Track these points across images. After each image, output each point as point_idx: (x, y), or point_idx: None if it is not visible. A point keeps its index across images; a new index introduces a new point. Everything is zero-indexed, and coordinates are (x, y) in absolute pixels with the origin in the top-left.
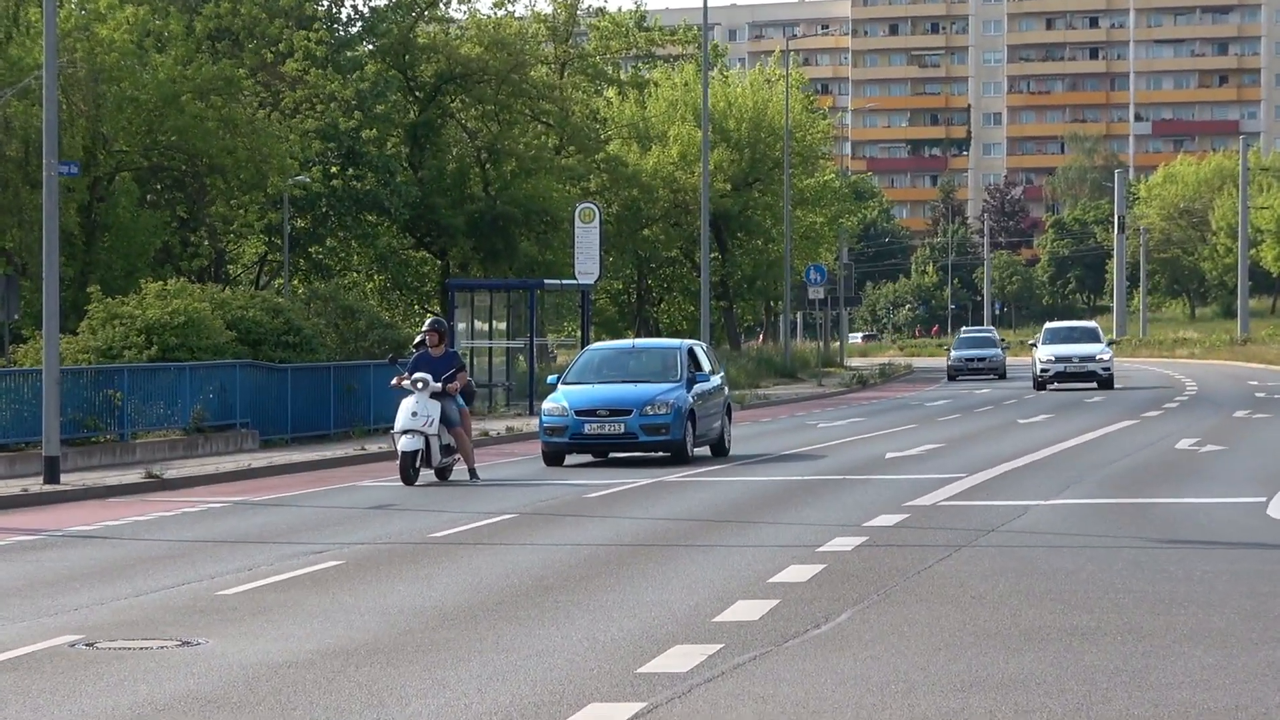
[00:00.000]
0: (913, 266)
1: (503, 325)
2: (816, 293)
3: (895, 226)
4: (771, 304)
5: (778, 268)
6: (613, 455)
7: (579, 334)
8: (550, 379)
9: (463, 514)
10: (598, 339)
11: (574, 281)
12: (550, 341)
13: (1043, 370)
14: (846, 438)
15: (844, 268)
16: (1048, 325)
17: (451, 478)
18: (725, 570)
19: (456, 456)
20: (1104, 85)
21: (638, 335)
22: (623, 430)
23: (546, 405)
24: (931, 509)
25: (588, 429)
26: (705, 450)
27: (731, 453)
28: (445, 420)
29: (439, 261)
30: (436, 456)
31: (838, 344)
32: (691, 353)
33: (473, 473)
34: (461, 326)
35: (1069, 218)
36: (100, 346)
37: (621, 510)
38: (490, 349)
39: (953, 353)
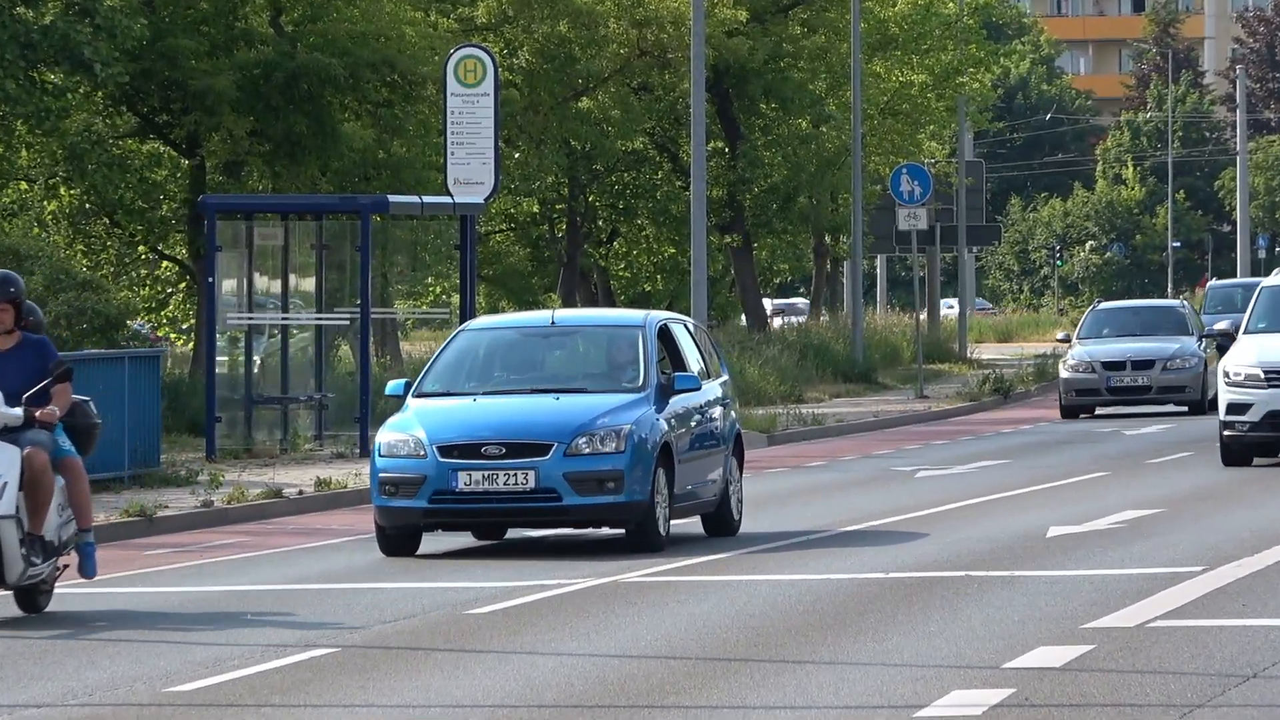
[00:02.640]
0: (1099, 167)
1: (309, 284)
2: (913, 219)
3: (1066, 91)
4: (826, 242)
5: (838, 172)
6: (517, 535)
7: (457, 301)
8: (392, 387)
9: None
10: (492, 310)
11: (446, 199)
12: (401, 314)
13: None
14: (970, 498)
15: (967, 172)
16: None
17: (49, 607)
18: None
19: (59, 563)
20: None
21: (566, 303)
22: (531, 486)
23: (385, 438)
24: (1137, 634)
25: (463, 483)
26: (692, 523)
27: (744, 528)
28: (29, 484)
29: (186, 161)
30: (16, 565)
31: (953, 316)
32: (666, 336)
33: (86, 568)
34: (229, 286)
35: None
36: None
37: (527, 651)
38: (284, 329)
39: (1075, 354)
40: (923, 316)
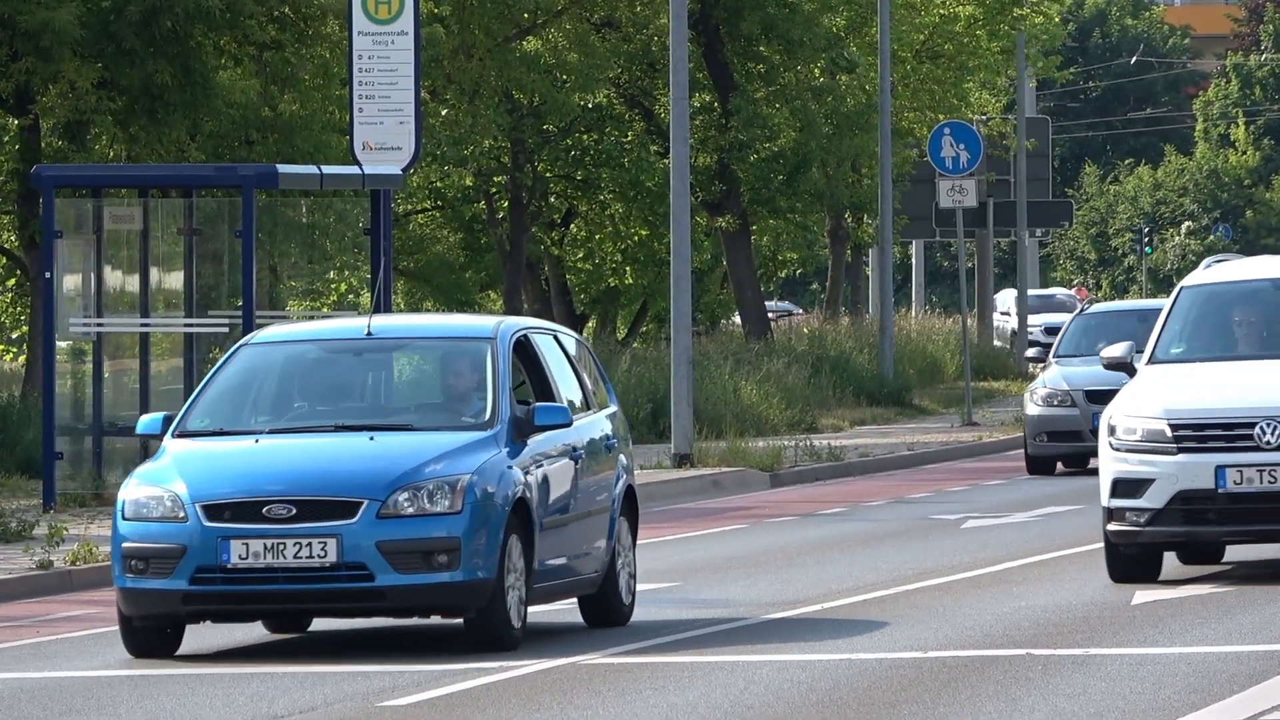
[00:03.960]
0: (1199, 126)
1: (177, 279)
2: (958, 194)
3: (1156, 26)
4: (846, 224)
5: (861, 134)
6: (327, 624)
7: (367, 301)
8: (146, 424)
9: None
10: (414, 312)
11: (353, 170)
12: (296, 318)
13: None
14: (1032, 555)
15: (1029, 132)
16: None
17: None
18: None
19: None
20: None
21: (509, 304)
22: (332, 559)
23: (131, 494)
24: None
25: (237, 556)
26: (565, 608)
27: (734, 593)
28: None
29: (15, 121)
30: None
31: (1010, 323)
32: (527, 352)
33: None
34: (72, 282)
35: None
36: None
37: None
38: (144, 337)
39: (1049, 379)
40: (971, 320)
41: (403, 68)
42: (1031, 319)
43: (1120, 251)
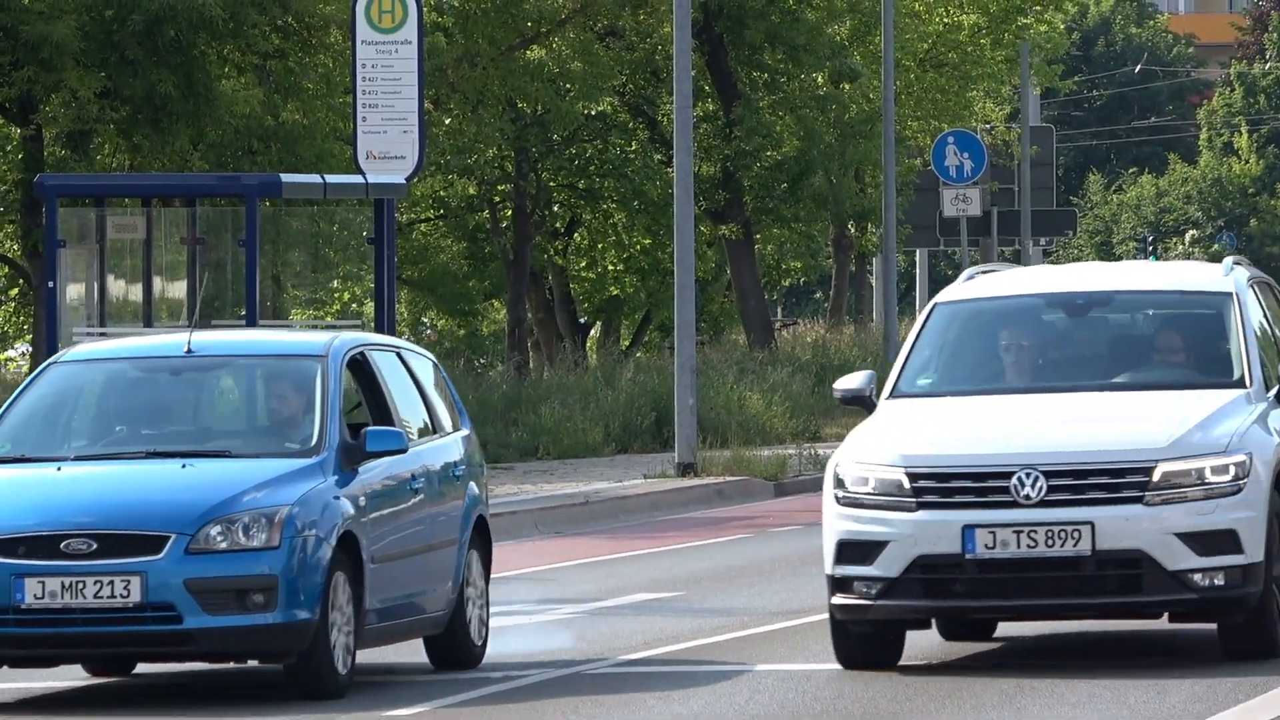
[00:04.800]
0: (1203, 134)
1: (180, 289)
2: (962, 202)
3: (1161, 35)
4: (850, 233)
5: (864, 142)
6: (147, 669)
7: (371, 310)
8: None
9: None
10: (415, 323)
11: (356, 179)
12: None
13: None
14: None
15: (1033, 140)
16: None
17: None
18: None
19: None
20: None
21: (513, 313)
22: (136, 599)
23: None
24: None
25: (32, 595)
26: (409, 649)
27: (740, 600)
28: None
29: (18, 131)
30: None
31: None
32: (363, 371)
33: None
34: (75, 292)
35: None
36: None
37: None
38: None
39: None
40: None
41: (406, 77)
42: None
43: (1124, 260)
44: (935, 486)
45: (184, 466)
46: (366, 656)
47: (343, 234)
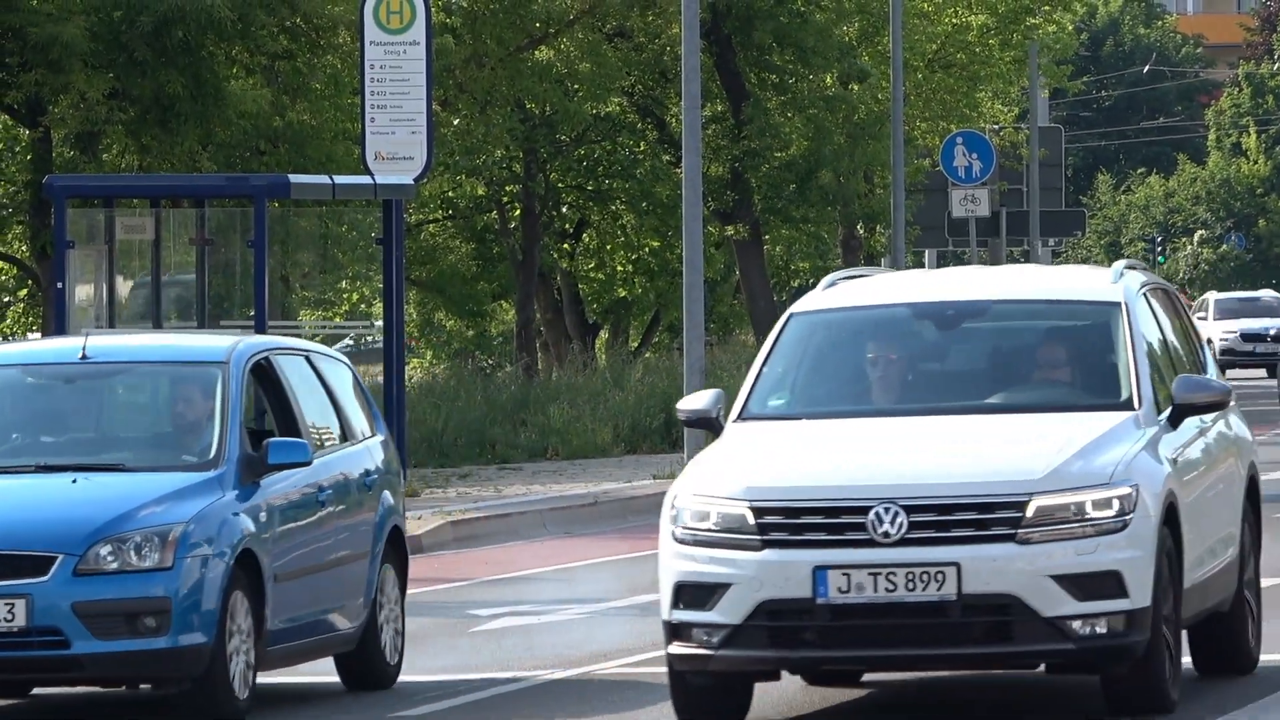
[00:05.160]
0: (1211, 135)
1: (187, 287)
2: (970, 203)
3: (1169, 36)
4: (858, 234)
5: (873, 143)
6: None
7: (379, 310)
8: None
9: None
10: (425, 324)
11: (364, 179)
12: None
13: None
14: None
15: (1041, 141)
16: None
17: None
18: None
19: None
20: None
21: (522, 314)
22: (21, 623)
23: None
24: None
25: None
26: (319, 668)
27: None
28: None
29: (27, 132)
30: None
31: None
32: (267, 376)
33: None
34: (84, 293)
35: None
36: None
37: None
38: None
39: None
40: None
41: (414, 77)
42: (1231, 324)
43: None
44: (783, 523)
45: (74, 481)
46: (278, 677)
47: (351, 235)
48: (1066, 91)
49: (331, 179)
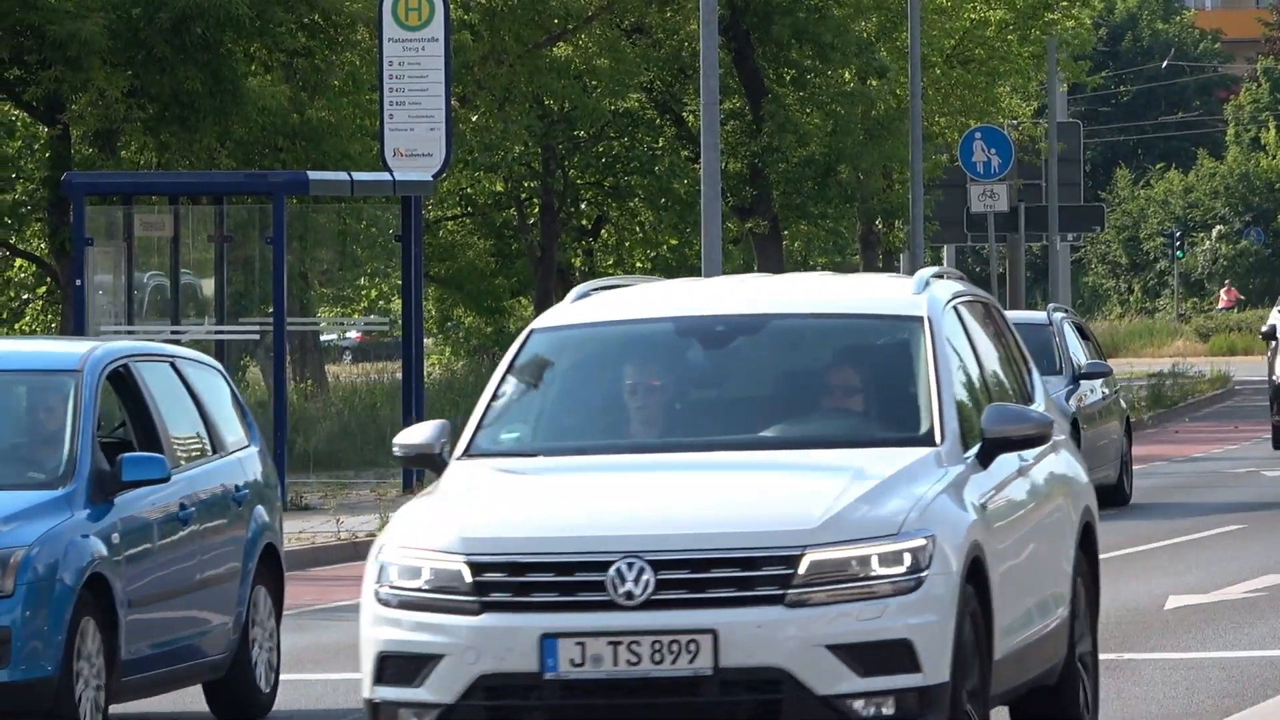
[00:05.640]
0: (1230, 129)
1: (207, 286)
2: (989, 199)
3: (1187, 31)
4: (877, 229)
5: (892, 139)
6: None
7: (398, 307)
8: None
9: None
10: (443, 320)
11: (383, 176)
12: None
13: None
14: None
15: (1060, 136)
16: None
17: None
18: None
19: None
20: None
21: (540, 311)
22: None
23: None
24: None
25: None
26: (187, 697)
27: None
28: None
29: (46, 129)
30: None
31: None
32: (126, 384)
33: None
34: (102, 291)
35: None
36: None
37: None
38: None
39: None
40: None
41: (433, 74)
42: None
43: (1152, 256)
44: (506, 581)
45: None
46: (140, 706)
47: (370, 231)
48: (1085, 86)
49: (350, 176)
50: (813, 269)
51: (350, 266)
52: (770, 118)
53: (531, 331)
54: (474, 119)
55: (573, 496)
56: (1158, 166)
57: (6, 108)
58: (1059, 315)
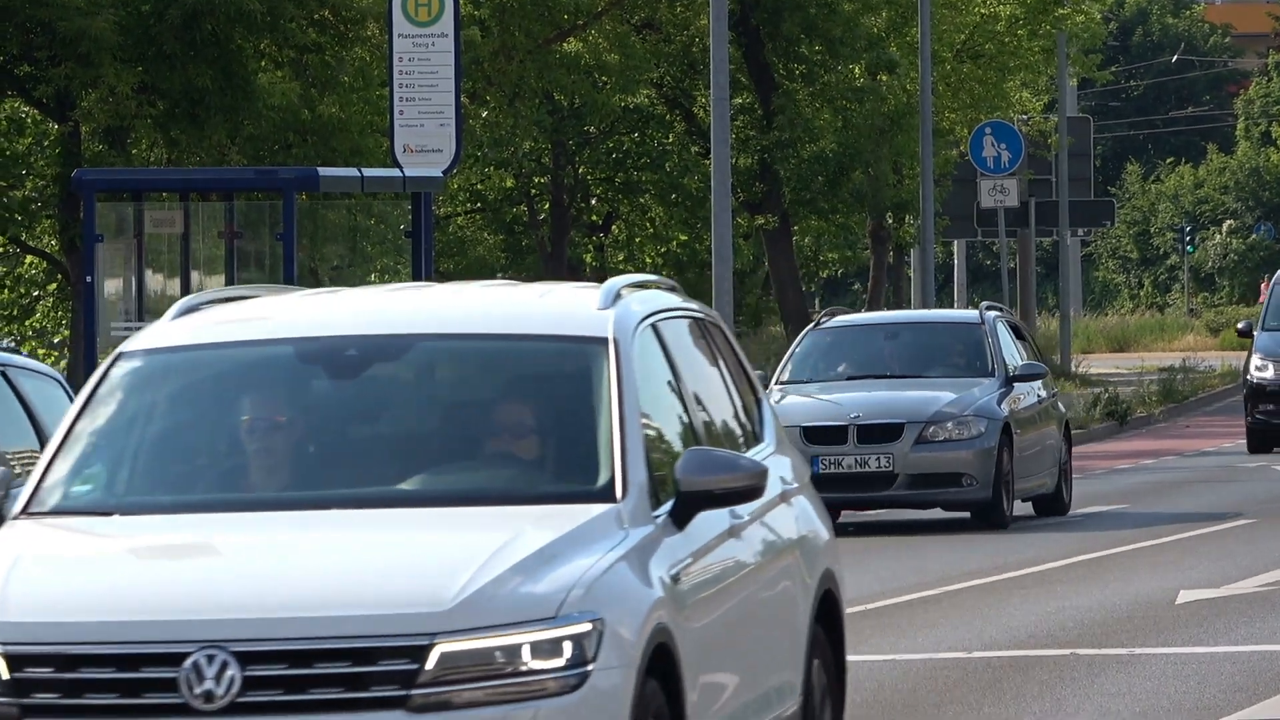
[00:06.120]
0: (1240, 124)
1: (218, 282)
2: (999, 193)
3: (1198, 26)
4: (887, 224)
5: (902, 134)
6: None
7: None
8: None
9: None
10: None
11: (393, 172)
12: None
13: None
14: (1075, 555)
15: (1070, 131)
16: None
17: None
18: None
19: None
20: None
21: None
22: None
23: None
24: None
25: None
26: None
27: None
28: None
29: (56, 126)
30: None
31: (1054, 321)
32: None
33: None
34: (113, 286)
35: None
36: None
37: None
38: None
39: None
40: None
41: (443, 70)
42: None
43: (1162, 251)
44: (54, 679)
45: None
46: None
47: (380, 227)
48: (1095, 81)
49: (360, 172)
50: (824, 265)
51: (360, 263)
52: (780, 113)
53: (119, 355)
54: (484, 115)
55: (147, 569)
56: (1168, 161)
57: (17, 104)
58: (992, 314)
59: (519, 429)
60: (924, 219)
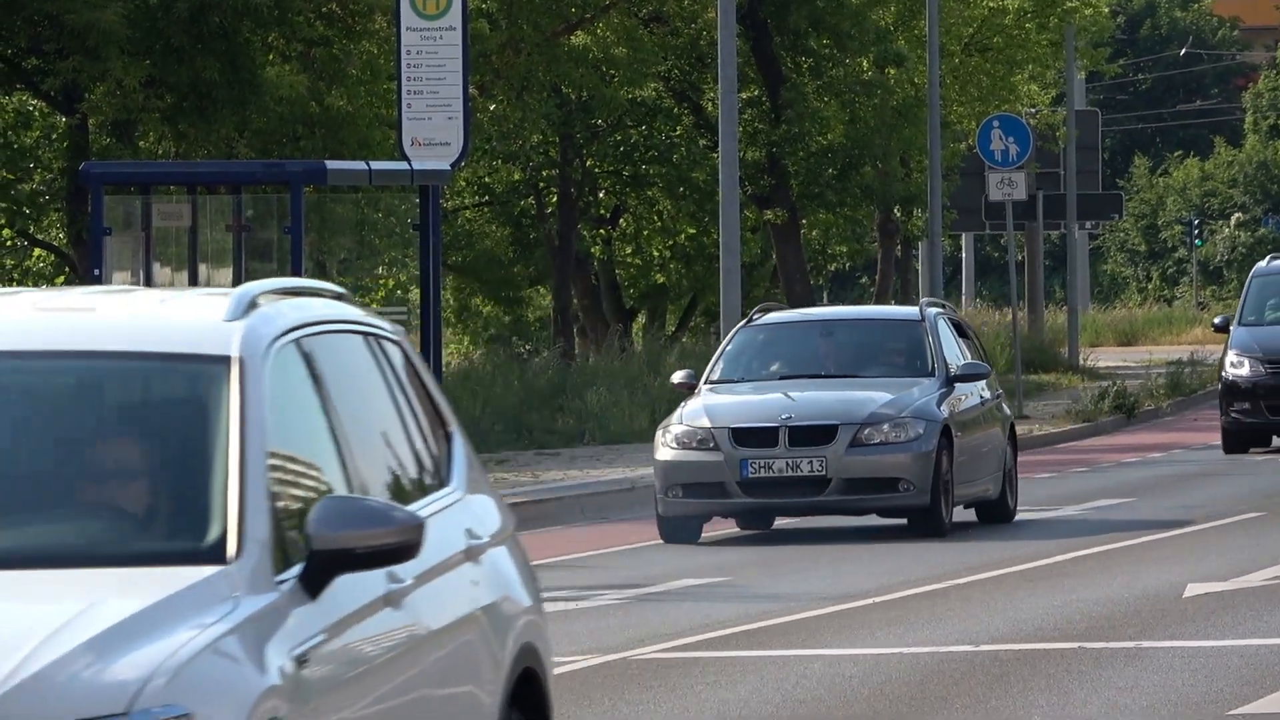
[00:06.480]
0: (1248, 117)
1: (226, 275)
2: (1007, 187)
3: (1205, 19)
4: (895, 218)
5: (909, 127)
6: None
7: (417, 296)
8: None
9: None
10: (461, 309)
11: (401, 165)
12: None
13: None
14: (1083, 548)
15: (1078, 124)
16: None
17: None
18: None
19: None
20: None
21: (559, 299)
22: None
23: None
24: None
25: None
26: None
27: (785, 586)
28: None
29: (63, 119)
30: None
31: (1062, 314)
32: None
33: None
34: (121, 279)
35: None
36: None
37: None
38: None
39: (678, 424)
40: (1021, 313)
41: (451, 63)
42: None
43: (1170, 244)
44: None
45: None
46: None
47: (388, 220)
48: (1103, 74)
49: (368, 165)
50: (832, 258)
51: (368, 256)
52: (788, 106)
53: None
54: (492, 108)
55: None
56: (1176, 154)
57: (24, 98)
58: (933, 311)
59: (111, 471)
60: (932, 212)
